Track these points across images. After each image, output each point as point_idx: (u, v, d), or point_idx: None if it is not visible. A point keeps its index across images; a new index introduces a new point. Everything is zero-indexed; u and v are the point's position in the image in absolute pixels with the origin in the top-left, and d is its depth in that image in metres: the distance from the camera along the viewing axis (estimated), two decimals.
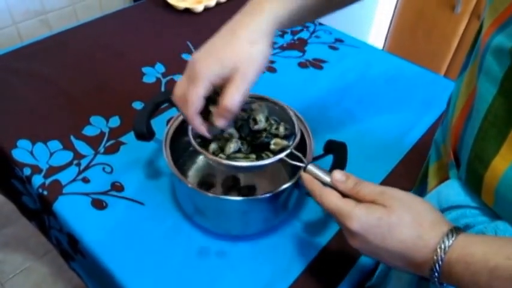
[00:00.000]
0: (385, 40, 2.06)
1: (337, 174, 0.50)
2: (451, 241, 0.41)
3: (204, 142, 0.60)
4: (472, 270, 0.39)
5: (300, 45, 1.12)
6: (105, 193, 0.73)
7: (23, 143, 0.80)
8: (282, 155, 0.55)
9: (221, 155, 0.58)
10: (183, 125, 0.70)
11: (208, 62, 0.52)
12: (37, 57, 1.03)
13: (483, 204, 0.47)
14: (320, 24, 1.21)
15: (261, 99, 0.64)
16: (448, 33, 1.87)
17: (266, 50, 0.53)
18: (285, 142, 0.59)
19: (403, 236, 0.43)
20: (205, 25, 1.16)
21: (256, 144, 0.59)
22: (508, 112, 0.42)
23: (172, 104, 0.78)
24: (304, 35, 1.16)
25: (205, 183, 0.74)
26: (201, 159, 0.78)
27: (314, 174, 0.52)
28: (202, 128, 0.56)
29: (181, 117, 0.71)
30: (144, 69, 1.00)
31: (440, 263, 0.41)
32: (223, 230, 0.68)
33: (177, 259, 0.65)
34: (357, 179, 0.49)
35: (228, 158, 0.57)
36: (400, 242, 0.43)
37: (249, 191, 0.73)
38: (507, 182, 0.42)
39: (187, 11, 1.21)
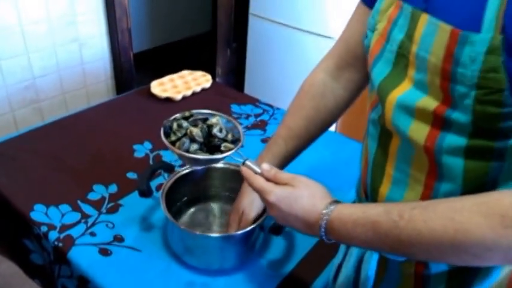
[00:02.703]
0: (337, 123, 2.39)
1: (264, 165, 0.72)
2: (332, 207, 0.63)
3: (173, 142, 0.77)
4: (343, 223, 0.61)
5: (261, 125, 1.38)
6: (109, 243, 0.92)
7: (39, 207, 0.99)
8: (228, 153, 0.75)
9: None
10: (171, 188, 0.92)
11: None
12: (43, 139, 1.23)
13: None
14: (277, 108, 1.49)
15: (219, 115, 0.83)
16: None
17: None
18: (232, 145, 0.78)
19: (304, 204, 0.65)
20: (184, 110, 1.41)
21: (211, 146, 0.77)
22: (383, 158, 0.68)
23: (164, 170, 1.00)
24: (265, 117, 1.43)
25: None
26: (186, 214, 0.99)
27: (250, 167, 0.73)
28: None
29: (169, 183, 0.92)
30: (135, 147, 1.22)
31: (325, 221, 0.62)
32: (206, 265, 0.87)
33: None
34: (277, 169, 0.71)
35: (191, 153, 0.75)
36: (301, 209, 0.65)
37: None
38: (388, 201, 0.67)
39: (168, 99, 1.46)
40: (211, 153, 0.77)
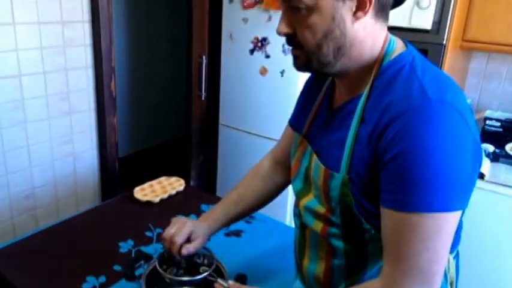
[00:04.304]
0: None
1: (231, 282, 1.00)
2: None
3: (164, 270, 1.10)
4: None
5: None
6: None
7: None
8: (205, 274, 1.06)
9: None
10: (150, 273, 1.18)
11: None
12: (43, 242, 1.49)
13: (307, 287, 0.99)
14: None
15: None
16: None
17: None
18: (207, 268, 1.08)
19: None
20: (161, 211, 1.69)
21: (192, 269, 1.10)
22: (302, 241, 0.97)
23: (145, 261, 1.26)
24: None
25: None
26: None
27: (221, 284, 1.00)
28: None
29: (148, 269, 1.18)
30: (120, 243, 1.48)
31: None
32: None
33: None
34: (239, 284, 0.99)
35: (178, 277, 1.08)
36: None
37: None
38: (308, 272, 0.96)
39: (148, 202, 1.75)
40: (192, 274, 1.09)
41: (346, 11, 0.79)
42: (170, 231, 1.11)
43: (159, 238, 1.27)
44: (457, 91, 0.79)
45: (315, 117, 1.00)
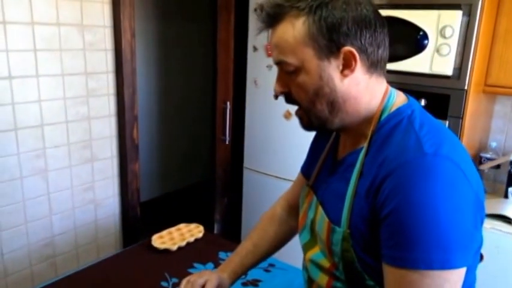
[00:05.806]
0: None
1: None
2: None
3: None
4: None
5: None
6: None
7: None
8: None
9: None
10: None
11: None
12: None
13: None
14: None
15: None
16: None
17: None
18: None
19: None
20: (178, 259, 1.66)
21: None
22: None
23: None
24: None
25: None
26: None
27: None
28: None
29: None
30: None
31: None
32: None
33: None
34: None
35: None
36: None
37: None
38: None
39: (166, 250, 1.72)
40: None
41: (333, 70, 0.82)
42: (199, 280, 1.11)
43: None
44: (455, 144, 0.78)
45: (321, 167, 1.00)
